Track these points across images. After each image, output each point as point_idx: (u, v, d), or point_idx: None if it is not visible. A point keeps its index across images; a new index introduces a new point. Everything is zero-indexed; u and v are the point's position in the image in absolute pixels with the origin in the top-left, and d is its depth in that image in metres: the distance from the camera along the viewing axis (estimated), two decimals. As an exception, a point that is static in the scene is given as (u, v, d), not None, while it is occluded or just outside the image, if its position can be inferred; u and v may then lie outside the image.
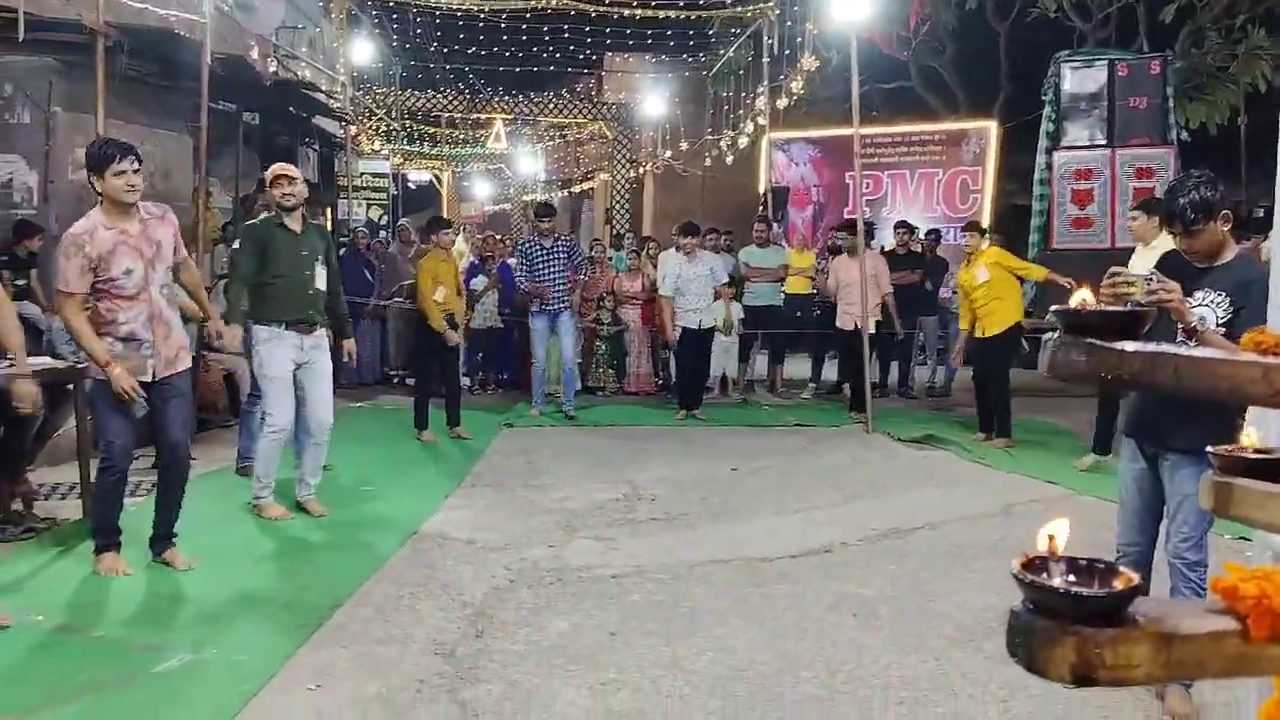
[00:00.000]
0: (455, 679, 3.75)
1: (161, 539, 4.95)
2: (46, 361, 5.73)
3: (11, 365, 4.71)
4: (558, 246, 9.29)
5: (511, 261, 11.31)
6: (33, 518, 5.49)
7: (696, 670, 3.87)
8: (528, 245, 9.49)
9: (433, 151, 21.60)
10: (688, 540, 5.66)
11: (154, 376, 4.67)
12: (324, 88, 13.96)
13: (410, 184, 24.58)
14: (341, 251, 11.86)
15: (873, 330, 9.57)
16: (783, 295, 11.41)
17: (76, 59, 7.99)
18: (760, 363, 11.78)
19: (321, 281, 5.81)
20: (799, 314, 11.63)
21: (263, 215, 5.88)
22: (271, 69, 12.36)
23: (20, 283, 7.92)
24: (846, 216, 13.76)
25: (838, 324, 10.04)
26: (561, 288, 9.24)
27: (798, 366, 12.16)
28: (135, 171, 4.52)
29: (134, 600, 4.55)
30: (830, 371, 11.84)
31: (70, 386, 5.70)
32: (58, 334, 6.93)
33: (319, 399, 5.87)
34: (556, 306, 9.24)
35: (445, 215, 23.27)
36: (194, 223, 8.58)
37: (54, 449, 6.31)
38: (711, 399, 11.08)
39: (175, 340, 4.77)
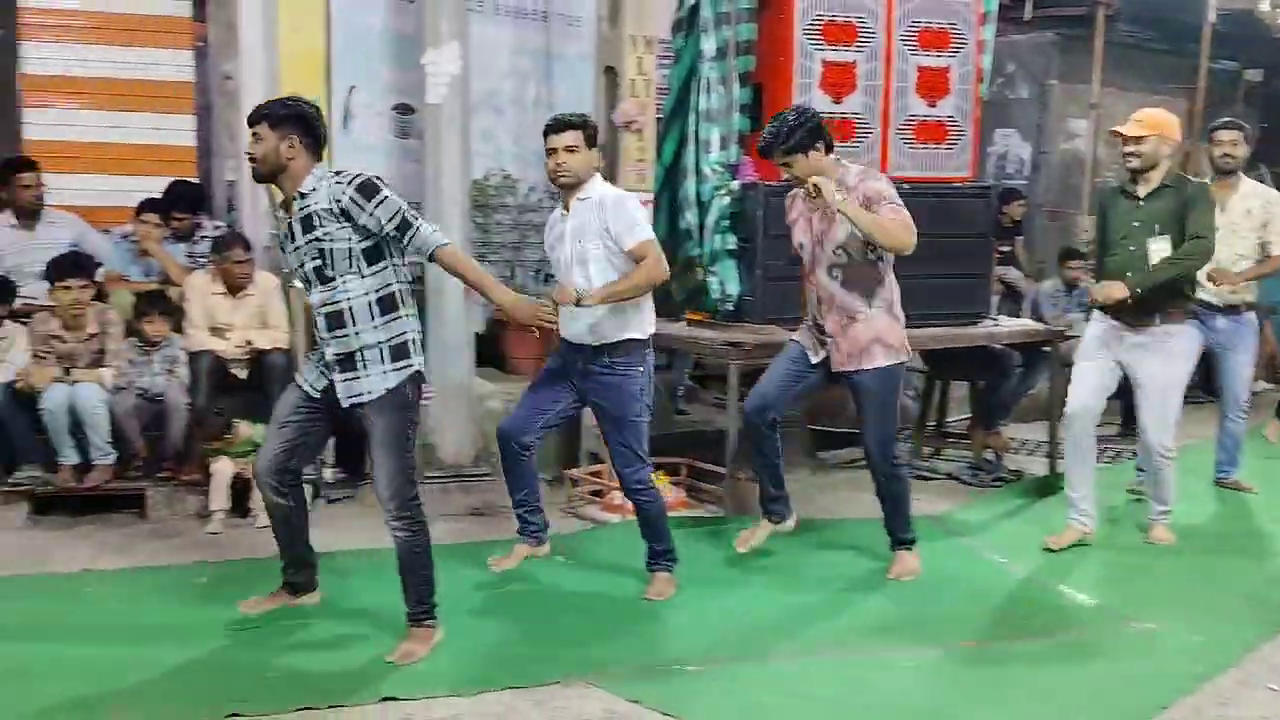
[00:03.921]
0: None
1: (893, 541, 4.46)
2: (1026, 324, 6.05)
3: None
4: None
5: None
6: (1003, 468, 5.88)
7: None
8: None
9: None
10: None
11: (833, 367, 4.26)
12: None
13: None
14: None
15: None
16: None
17: (1075, 31, 8.28)
18: None
19: (1156, 259, 4.61)
20: None
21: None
22: (1283, 19, 11.28)
23: (1005, 249, 7.90)
24: None
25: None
26: None
27: None
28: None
29: (1088, 563, 4.58)
30: None
31: (1046, 349, 5.89)
32: (1044, 298, 7.24)
33: (1151, 411, 4.68)
34: None
35: None
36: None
37: (1026, 408, 6.57)
38: None
39: (858, 335, 4.19)
